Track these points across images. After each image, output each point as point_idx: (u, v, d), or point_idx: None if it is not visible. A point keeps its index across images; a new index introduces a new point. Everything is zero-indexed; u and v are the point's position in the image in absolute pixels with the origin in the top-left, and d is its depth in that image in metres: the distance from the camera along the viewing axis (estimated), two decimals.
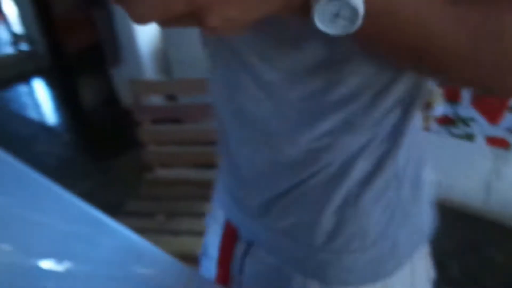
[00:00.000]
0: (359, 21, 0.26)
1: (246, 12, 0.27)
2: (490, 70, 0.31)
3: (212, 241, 0.74)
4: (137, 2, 0.27)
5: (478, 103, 1.47)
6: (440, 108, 1.69)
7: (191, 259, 0.87)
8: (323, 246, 0.51)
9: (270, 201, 0.53)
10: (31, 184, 1.01)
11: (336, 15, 0.26)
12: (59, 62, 4.07)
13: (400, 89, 0.42)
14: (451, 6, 0.29)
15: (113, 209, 1.09)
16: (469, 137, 1.64)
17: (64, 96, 4.03)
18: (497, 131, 1.54)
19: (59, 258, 0.71)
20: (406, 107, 0.44)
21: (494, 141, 1.58)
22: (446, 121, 1.68)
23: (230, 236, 0.66)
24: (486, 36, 0.29)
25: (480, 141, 1.64)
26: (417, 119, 0.48)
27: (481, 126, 1.57)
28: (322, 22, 0.27)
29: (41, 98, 4.31)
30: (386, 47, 0.32)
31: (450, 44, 0.30)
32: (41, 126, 3.54)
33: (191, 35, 1.63)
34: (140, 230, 0.80)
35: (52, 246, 0.65)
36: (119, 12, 2.66)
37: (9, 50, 5.14)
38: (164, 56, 2.85)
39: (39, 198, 0.95)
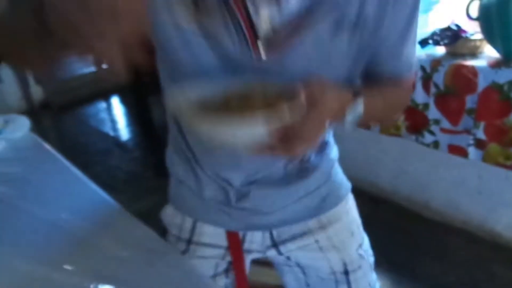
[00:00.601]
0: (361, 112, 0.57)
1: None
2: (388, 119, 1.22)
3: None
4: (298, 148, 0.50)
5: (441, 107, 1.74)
6: None
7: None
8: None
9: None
10: (100, 206, 1.03)
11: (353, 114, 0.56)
12: (134, 80, 4.31)
13: None
14: (379, 102, 0.64)
15: None
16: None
17: (137, 113, 4.23)
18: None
19: (114, 283, 0.70)
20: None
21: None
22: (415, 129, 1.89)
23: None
24: (388, 109, 0.72)
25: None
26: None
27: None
28: (348, 123, 0.56)
29: (117, 115, 4.59)
30: (361, 123, 0.60)
31: (377, 116, 0.73)
32: (115, 141, 3.74)
33: None
34: None
35: (109, 270, 0.63)
36: None
37: (91, 68, 5.56)
38: None
39: (105, 220, 0.95)
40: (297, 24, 0.56)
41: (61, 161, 1.30)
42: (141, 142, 3.62)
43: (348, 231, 0.91)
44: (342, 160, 2.53)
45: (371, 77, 0.68)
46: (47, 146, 1.39)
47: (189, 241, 0.85)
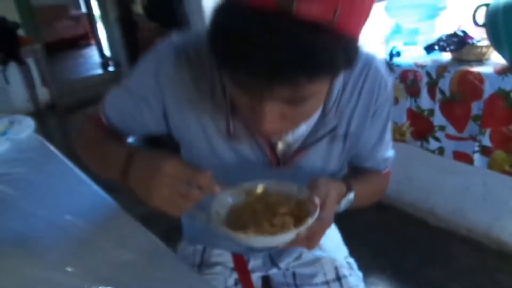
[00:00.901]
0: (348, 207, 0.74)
1: None
2: (370, 203, 0.87)
3: None
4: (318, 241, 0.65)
5: (447, 113, 1.74)
6: None
7: None
8: None
9: None
10: (103, 209, 1.03)
11: (347, 202, 0.72)
12: None
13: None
14: (365, 189, 0.79)
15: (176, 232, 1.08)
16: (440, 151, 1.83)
17: None
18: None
19: (114, 285, 0.70)
20: None
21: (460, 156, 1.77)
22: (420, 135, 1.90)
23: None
24: (372, 194, 0.87)
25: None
26: None
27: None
28: (343, 206, 0.72)
29: None
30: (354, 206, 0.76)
31: (364, 201, 0.81)
32: None
33: None
34: None
35: (110, 273, 0.63)
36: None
37: (99, 71, 5.62)
38: None
39: (108, 222, 0.95)
40: (304, 143, 0.75)
41: (65, 163, 1.31)
42: (144, 145, 3.62)
43: (336, 241, 1.09)
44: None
45: (355, 169, 0.87)
46: (51, 147, 1.40)
47: (200, 265, 0.95)
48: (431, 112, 1.80)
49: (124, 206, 1.03)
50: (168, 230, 1.35)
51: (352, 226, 2.20)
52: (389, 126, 0.82)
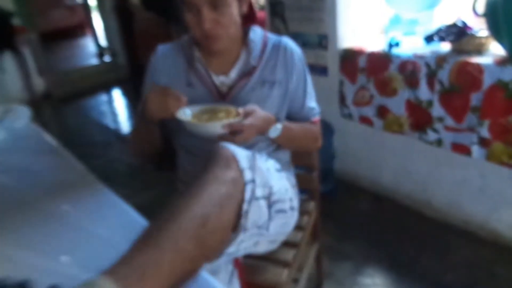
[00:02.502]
0: (280, 132, 1.09)
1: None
2: (305, 145, 1.27)
3: None
4: (239, 140, 0.97)
5: (445, 104, 1.75)
6: None
7: None
8: None
9: None
10: (101, 199, 1.01)
11: (274, 131, 1.07)
12: (136, 73, 4.29)
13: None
14: (295, 128, 1.16)
15: None
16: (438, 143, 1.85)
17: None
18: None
19: None
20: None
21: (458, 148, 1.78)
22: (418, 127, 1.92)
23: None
24: (303, 136, 1.21)
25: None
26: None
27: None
28: (271, 133, 1.07)
29: (118, 107, 4.58)
30: (283, 144, 1.19)
31: (296, 139, 1.18)
32: (116, 134, 3.73)
33: None
34: None
35: (107, 262, 0.62)
36: None
37: (94, 61, 5.57)
38: None
39: (104, 212, 0.94)
40: (237, 86, 1.13)
41: (60, 153, 1.29)
42: None
43: None
44: (344, 156, 2.53)
45: (291, 119, 1.20)
46: (47, 137, 1.38)
47: None
48: (430, 103, 1.79)
49: (123, 197, 1.02)
50: None
51: (348, 217, 2.22)
52: (309, 82, 1.20)
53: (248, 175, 0.85)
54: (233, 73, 1.13)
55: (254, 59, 1.12)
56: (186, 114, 1.01)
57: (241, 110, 1.00)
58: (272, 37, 1.18)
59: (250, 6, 1.13)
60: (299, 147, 1.30)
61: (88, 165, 1.20)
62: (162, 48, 1.20)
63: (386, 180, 2.22)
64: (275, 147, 1.21)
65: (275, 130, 1.06)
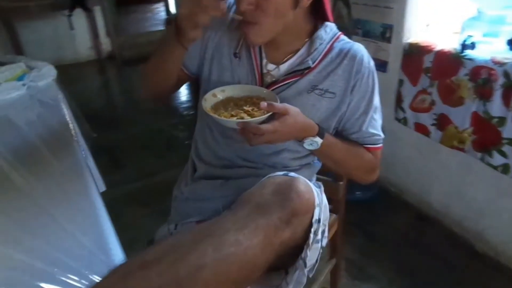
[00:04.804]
0: (318, 147, 0.92)
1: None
2: (351, 172, 1.05)
3: None
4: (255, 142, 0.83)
5: None
6: None
7: None
8: None
9: None
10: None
11: (311, 144, 0.91)
12: None
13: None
14: (340, 148, 0.97)
15: None
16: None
17: None
18: None
19: None
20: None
21: None
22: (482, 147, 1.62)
23: None
24: (350, 160, 1.00)
25: None
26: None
27: None
28: (307, 145, 0.91)
29: None
30: (324, 159, 1.02)
31: (338, 160, 0.99)
32: (169, 104, 3.70)
33: None
34: None
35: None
36: None
37: (161, 27, 5.63)
38: None
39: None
40: (282, 82, 0.96)
41: (69, 128, 1.21)
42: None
43: None
44: (391, 164, 2.22)
45: (342, 137, 1.01)
46: (63, 104, 1.29)
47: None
48: (502, 121, 1.49)
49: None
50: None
51: (382, 232, 1.98)
52: (375, 104, 0.99)
53: (316, 214, 0.80)
54: (284, 67, 0.97)
55: (313, 60, 0.94)
56: (218, 95, 0.94)
57: (277, 107, 0.81)
58: (343, 41, 0.98)
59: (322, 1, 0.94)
60: (344, 173, 1.17)
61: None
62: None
63: (435, 199, 1.94)
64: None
65: (312, 144, 0.90)
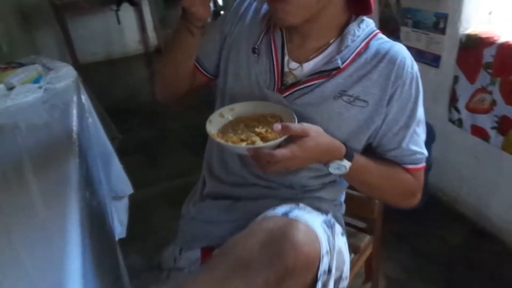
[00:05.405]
0: (346, 171, 0.75)
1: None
2: (389, 197, 0.89)
3: None
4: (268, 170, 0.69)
5: None
6: None
7: None
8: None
9: None
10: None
11: (337, 168, 0.75)
12: None
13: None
14: (375, 176, 0.81)
15: None
16: None
17: None
18: None
19: None
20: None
21: None
22: None
23: None
24: (383, 182, 0.83)
25: None
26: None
27: None
28: (332, 169, 0.75)
29: None
30: (353, 183, 0.85)
31: (372, 185, 0.84)
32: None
33: None
34: None
35: None
36: None
37: (209, 19, 5.61)
38: None
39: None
40: (305, 85, 0.82)
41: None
42: None
43: None
44: (444, 171, 1.96)
45: (377, 156, 0.85)
46: (75, 111, 1.23)
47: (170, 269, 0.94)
48: None
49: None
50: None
51: (431, 247, 1.76)
52: (418, 117, 0.82)
53: (324, 264, 0.68)
54: (309, 66, 0.83)
55: (343, 59, 0.79)
56: (226, 114, 0.83)
57: (293, 129, 0.69)
58: (381, 39, 0.83)
59: None
60: (378, 198, 1.04)
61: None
62: None
63: (494, 213, 1.71)
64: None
65: (339, 168, 0.76)
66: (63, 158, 0.92)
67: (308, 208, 0.81)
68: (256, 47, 0.85)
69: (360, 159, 0.79)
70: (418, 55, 1.78)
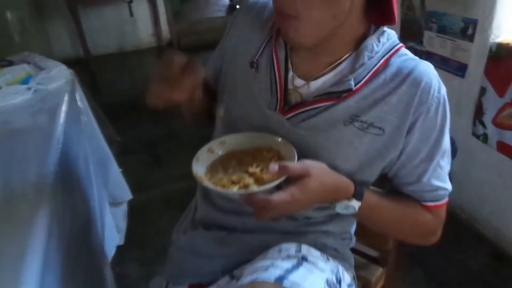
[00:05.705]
0: (355, 212, 0.66)
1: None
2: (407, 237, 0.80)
3: None
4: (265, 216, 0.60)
5: None
6: None
7: None
8: None
9: None
10: None
11: (345, 209, 0.66)
12: None
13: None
14: (388, 216, 0.72)
15: None
16: None
17: None
18: None
19: None
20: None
21: None
22: None
23: None
24: (401, 225, 0.75)
25: None
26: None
27: None
28: (339, 209, 0.67)
29: None
30: (364, 222, 0.77)
31: (387, 226, 0.76)
32: None
33: None
34: None
35: None
36: None
37: (221, 13, 5.50)
38: None
39: None
40: (311, 106, 0.71)
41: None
42: None
43: None
44: (465, 188, 1.83)
45: (393, 191, 0.76)
46: (62, 114, 1.14)
47: None
48: None
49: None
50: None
51: (448, 272, 1.64)
52: (443, 148, 0.71)
53: None
54: (317, 84, 0.71)
55: (356, 80, 0.68)
56: (216, 149, 0.73)
57: (292, 169, 0.59)
58: (404, 56, 0.70)
59: None
60: (392, 236, 0.95)
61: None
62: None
63: None
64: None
65: (347, 208, 0.67)
66: (42, 163, 0.85)
67: (311, 261, 0.70)
68: (255, 60, 0.75)
69: (371, 198, 0.69)
70: (442, 62, 1.65)
